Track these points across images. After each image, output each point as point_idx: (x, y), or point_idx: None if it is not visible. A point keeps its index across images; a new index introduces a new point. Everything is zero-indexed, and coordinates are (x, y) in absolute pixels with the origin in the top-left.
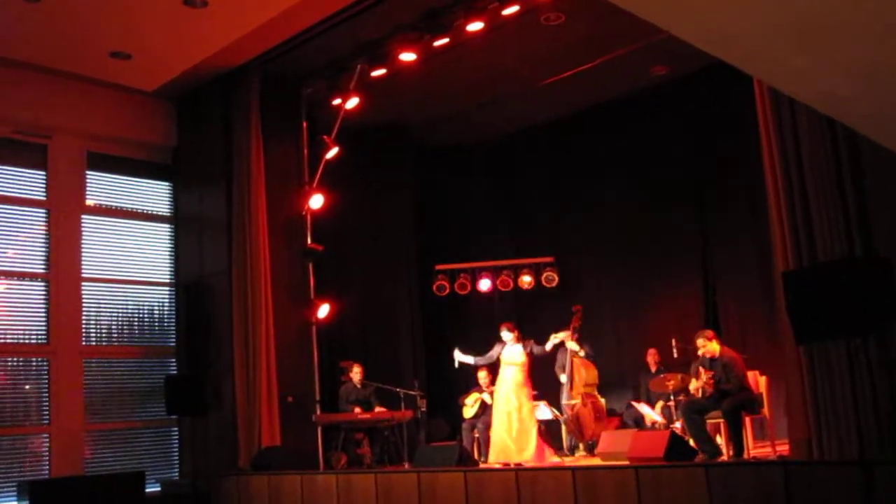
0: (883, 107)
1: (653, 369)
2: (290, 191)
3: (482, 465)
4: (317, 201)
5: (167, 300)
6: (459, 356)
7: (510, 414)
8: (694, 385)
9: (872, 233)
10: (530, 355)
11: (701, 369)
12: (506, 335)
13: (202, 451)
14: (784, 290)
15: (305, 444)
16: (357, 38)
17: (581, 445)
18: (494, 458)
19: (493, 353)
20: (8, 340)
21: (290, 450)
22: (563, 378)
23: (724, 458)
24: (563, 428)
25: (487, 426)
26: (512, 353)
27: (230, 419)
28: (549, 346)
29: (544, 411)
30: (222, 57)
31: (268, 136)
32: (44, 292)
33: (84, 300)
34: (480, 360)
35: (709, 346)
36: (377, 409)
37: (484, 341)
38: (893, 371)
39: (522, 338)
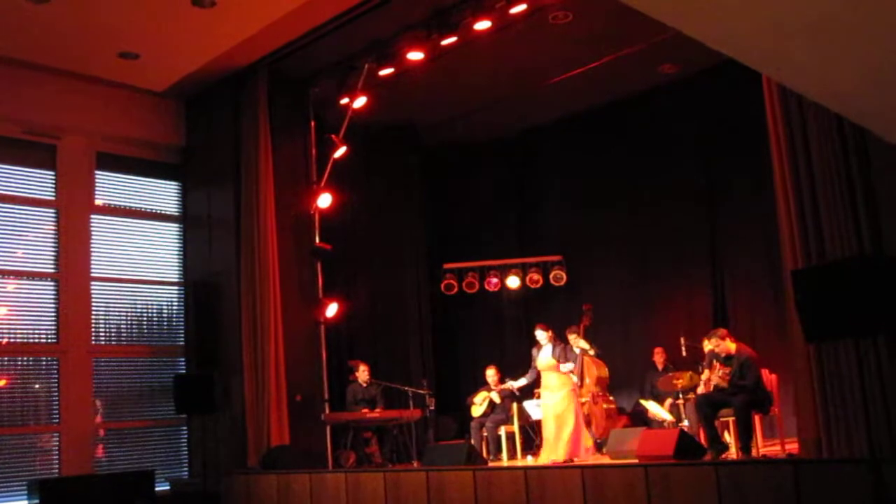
0: (892, 104)
1: (660, 368)
2: (298, 190)
3: (491, 464)
4: (325, 200)
5: (176, 299)
6: (514, 384)
7: (559, 416)
8: (706, 375)
9: (881, 231)
10: (559, 360)
11: (716, 363)
12: (540, 336)
13: (211, 450)
14: (793, 289)
15: (314, 444)
16: (365, 38)
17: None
18: (546, 458)
19: (535, 362)
20: (18, 340)
21: (298, 449)
22: (573, 378)
23: (732, 455)
24: None
25: (496, 425)
26: (546, 355)
27: (239, 418)
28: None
29: None
30: (230, 57)
31: (276, 136)
32: (53, 292)
33: (93, 300)
34: (531, 376)
35: (724, 345)
36: (379, 408)
37: (492, 339)
38: None
39: (555, 338)
